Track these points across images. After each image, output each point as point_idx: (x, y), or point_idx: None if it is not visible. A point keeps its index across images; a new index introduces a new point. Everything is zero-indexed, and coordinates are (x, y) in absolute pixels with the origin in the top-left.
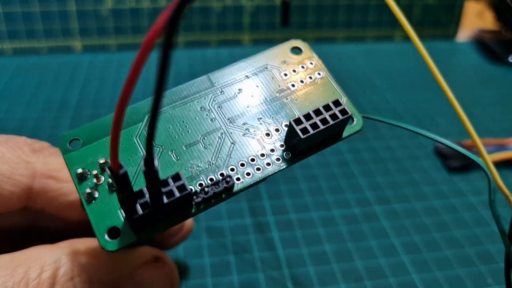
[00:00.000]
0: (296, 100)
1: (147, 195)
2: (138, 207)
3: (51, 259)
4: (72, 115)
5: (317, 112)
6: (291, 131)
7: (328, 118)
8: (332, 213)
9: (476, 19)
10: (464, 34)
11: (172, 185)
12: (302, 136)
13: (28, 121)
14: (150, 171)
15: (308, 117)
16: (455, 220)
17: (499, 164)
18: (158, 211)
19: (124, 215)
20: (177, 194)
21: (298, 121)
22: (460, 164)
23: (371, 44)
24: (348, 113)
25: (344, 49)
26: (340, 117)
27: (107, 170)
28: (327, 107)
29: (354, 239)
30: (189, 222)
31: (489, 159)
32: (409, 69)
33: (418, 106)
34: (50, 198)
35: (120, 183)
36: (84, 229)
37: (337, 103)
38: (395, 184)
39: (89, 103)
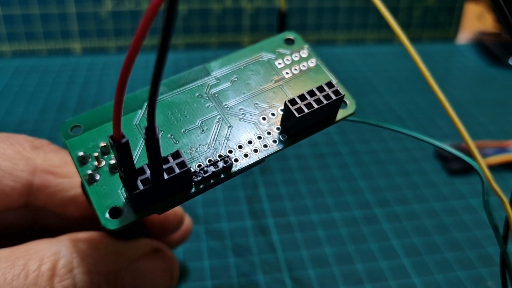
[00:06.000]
0: (290, 86)
1: (148, 172)
2: (139, 182)
3: (51, 251)
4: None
5: (311, 93)
6: (287, 112)
7: (322, 99)
8: (332, 215)
9: (476, 21)
10: (464, 36)
11: (172, 162)
12: (297, 115)
13: (27, 123)
14: (151, 138)
15: (302, 97)
16: (456, 222)
17: (500, 167)
18: (159, 187)
19: (125, 195)
20: (177, 170)
21: (293, 102)
22: (461, 167)
23: (371, 47)
24: (341, 94)
25: (344, 52)
26: (333, 97)
27: (109, 140)
28: (320, 89)
29: (354, 241)
30: (188, 221)
31: (482, 160)
32: (409, 71)
33: (419, 108)
34: (50, 194)
35: (122, 153)
36: (85, 226)
37: (330, 84)
38: (395, 186)
39: (89, 105)
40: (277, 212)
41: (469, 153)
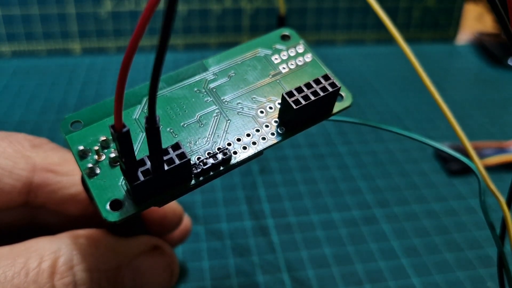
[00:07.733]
0: (287, 80)
1: (148, 163)
2: (140, 174)
3: (51, 249)
4: None
5: (308, 85)
6: (284, 104)
7: (319, 91)
8: (332, 216)
9: (476, 21)
10: (464, 36)
11: (172, 153)
12: (294, 107)
13: (26, 124)
14: (152, 127)
15: (299, 90)
16: (455, 223)
17: (499, 167)
18: (159, 179)
19: (125, 188)
20: (177, 161)
21: (290, 94)
22: (460, 167)
23: (370, 47)
24: (337, 86)
25: (344, 52)
26: (330, 89)
27: (111, 129)
28: (317, 81)
29: (353, 242)
30: (187, 221)
31: (478, 160)
32: (409, 72)
33: (418, 108)
34: (50, 192)
35: (123, 143)
36: (84, 224)
37: (326, 77)
38: (395, 187)
39: (88, 106)
40: (276, 213)
41: (467, 153)
